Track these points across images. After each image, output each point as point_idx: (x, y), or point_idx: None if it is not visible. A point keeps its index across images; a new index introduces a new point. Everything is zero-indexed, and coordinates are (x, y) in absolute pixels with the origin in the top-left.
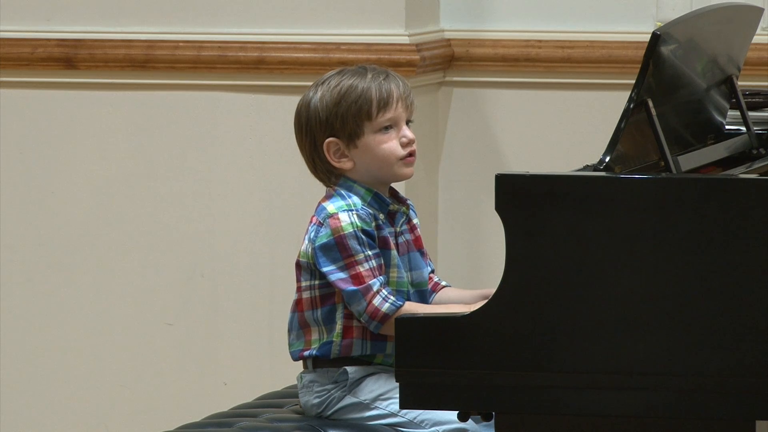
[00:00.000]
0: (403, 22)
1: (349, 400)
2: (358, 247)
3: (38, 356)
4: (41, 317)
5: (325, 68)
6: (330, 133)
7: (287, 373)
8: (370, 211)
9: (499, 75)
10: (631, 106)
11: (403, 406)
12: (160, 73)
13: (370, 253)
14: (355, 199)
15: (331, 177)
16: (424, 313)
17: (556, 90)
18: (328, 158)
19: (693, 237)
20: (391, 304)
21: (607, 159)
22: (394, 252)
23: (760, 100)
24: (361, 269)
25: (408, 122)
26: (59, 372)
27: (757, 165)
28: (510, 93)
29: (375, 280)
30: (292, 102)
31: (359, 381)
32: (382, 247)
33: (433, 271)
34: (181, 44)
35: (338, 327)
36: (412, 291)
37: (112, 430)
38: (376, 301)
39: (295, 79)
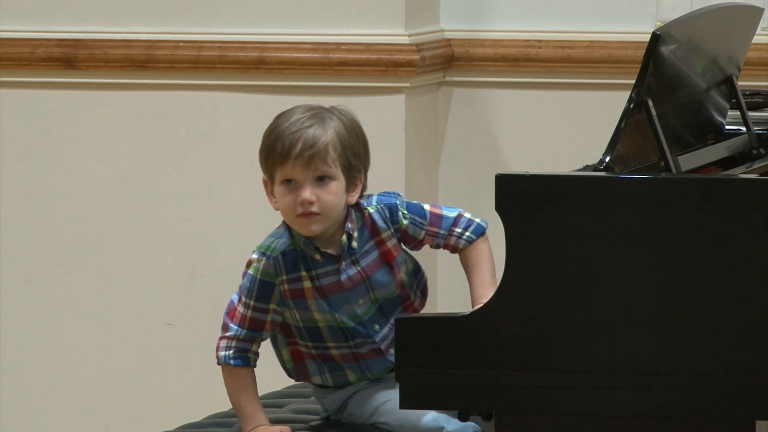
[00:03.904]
0: (403, 22)
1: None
2: (246, 291)
3: (38, 356)
4: (41, 317)
5: (325, 68)
6: (263, 169)
7: None
8: (282, 264)
9: (499, 75)
10: (631, 106)
11: (403, 406)
12: (160, 73)
13: (252, 303)
14: (283, 241)
15: None
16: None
17: (556, 90)
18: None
19: (693, 237)
20: (226, 357)
21: (607, 159)
22: (311, 301)
23: (760, 100)
24: (239, 308)
25: (324, 178)
26: (59, 372)
27: (757, 165)
28: (510, 93)
29: (239, 327)
30: (292, 102)
31: (342, 408)
32: (297, 297)
33: (450, 233)
34: (181, 44)
35: (285, 353)
36: (351, 325)
37: (112, 430)
38: (223, 343)
39: (295, 79)
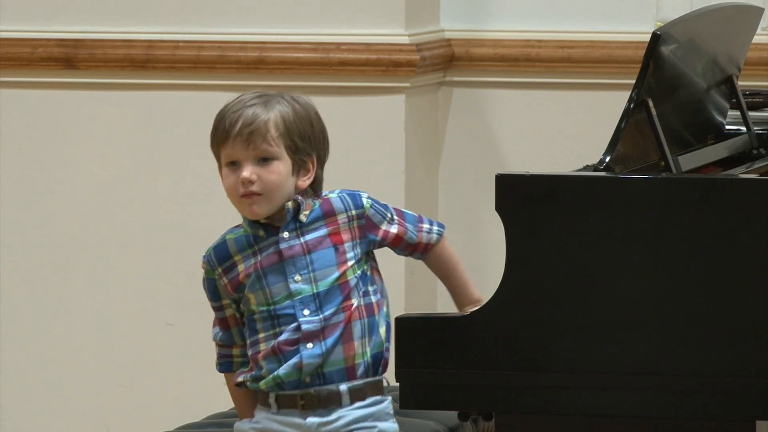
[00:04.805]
0: (403, 22)
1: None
2: (207, 295)
3: (38, 356)
4: (41, 317)
5: (325, 68)
6: (212, 151)
7: None
8: (214, 258)
9: (499, 75)
10: (631, 106)
11: (403, 406)
12: (160, 73)
13: (212, 304)
14: (218, 239)
15: None
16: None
17: (556, 90)
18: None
19: (693, 237)
20: (215, 364)
21: (607, 159)
22: (246, 282)
23: (760, 100)
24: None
25: (267, 159)
26: (59, 372)
27: (757, 165)
28: (510, 93)
29: (216, 330)
30: None
31: None
32: (236, 286)
33: (417, 226)
34: (181, 44)
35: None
36: (280, 302)
37: (112, 430)
38: (215, 349)
39: (295, 79)
